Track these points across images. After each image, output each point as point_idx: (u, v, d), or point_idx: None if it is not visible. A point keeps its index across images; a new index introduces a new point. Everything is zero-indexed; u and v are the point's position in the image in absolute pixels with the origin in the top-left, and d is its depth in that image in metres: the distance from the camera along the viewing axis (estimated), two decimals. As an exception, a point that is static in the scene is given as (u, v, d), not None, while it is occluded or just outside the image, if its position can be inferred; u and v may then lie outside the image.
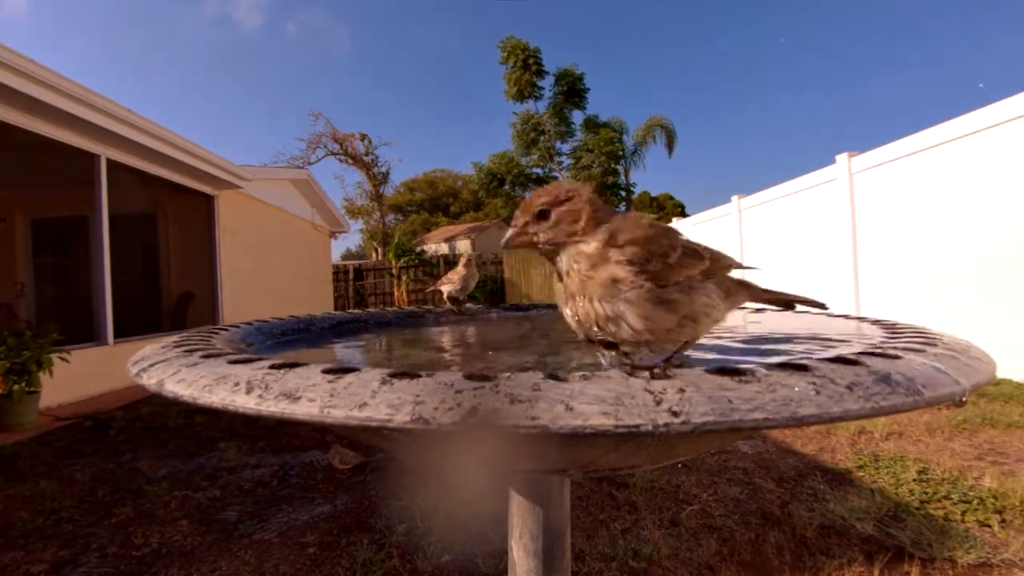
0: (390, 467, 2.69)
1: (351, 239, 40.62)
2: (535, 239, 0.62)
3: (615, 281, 0.56)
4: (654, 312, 0.56)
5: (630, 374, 0.43)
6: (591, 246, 0.59)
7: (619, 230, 0.60)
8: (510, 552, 0.81)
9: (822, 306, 0.76)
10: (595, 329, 0.59)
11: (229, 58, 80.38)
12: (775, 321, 1.12)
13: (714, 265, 0.62)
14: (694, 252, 0.61)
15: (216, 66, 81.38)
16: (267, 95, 73.72)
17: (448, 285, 1.67)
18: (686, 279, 0.58)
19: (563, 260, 0.62)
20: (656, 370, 0.46)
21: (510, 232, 0.64)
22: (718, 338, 0.94)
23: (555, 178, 21.56)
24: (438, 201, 44.52)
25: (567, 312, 0.63)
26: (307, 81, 70.90)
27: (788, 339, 0.93)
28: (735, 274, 0.69)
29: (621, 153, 20.54)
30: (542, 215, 0.62)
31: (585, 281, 0.58)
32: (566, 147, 21.36)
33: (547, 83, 20.77)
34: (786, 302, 0.75)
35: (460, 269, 1.70)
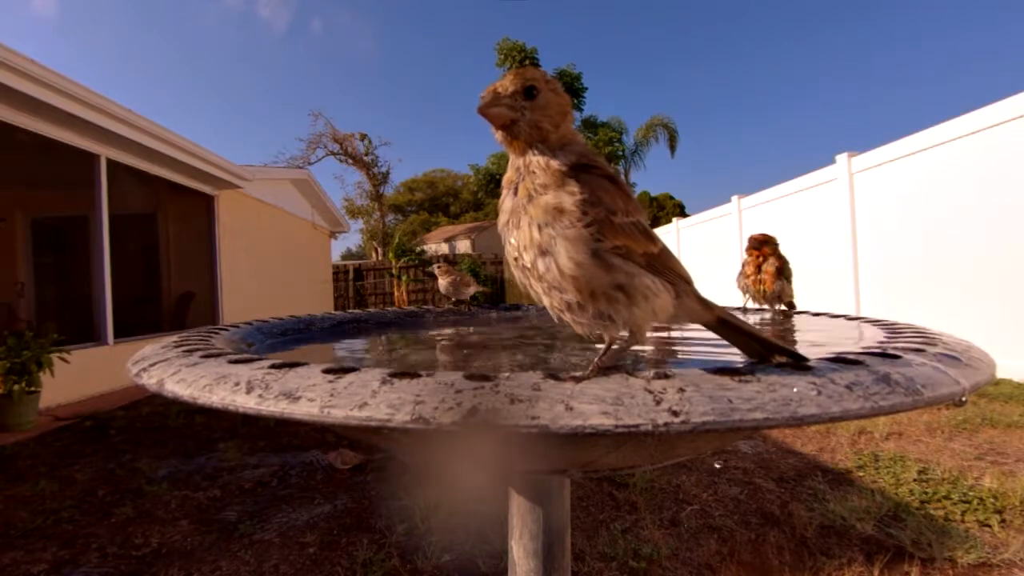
0: (390, 467, 2.69)
1: (351, 239, 40.66)
2: (519, 116, 0.55)
3: (560, 211, 0.51)
4: (588, 261, 0.50)
5: (576, 380, 0.42)
6: (558, 160, 0.54)
7: (586, 160, 0.55)
8: (510, 552, 0.81)
9: (800, 358, 0.53)
10: (527, 266, 0.54)
11: (228, 58, 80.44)
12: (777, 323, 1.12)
13: (665, 260, 0.57)
14: (646, 233, 0.55)
15: (216, 65, 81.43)
16: (267, 95, 73.75)
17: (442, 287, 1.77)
18: (625, 247, 0.53)
19: (528, 162, 0.55)
20: (592, 368, 0.46)
21: (489, 96, 0.55)
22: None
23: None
24: (438, 201, 44.51)
25: (511, 242, 0.56)
26: (307, 81, 70.92)
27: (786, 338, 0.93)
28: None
29: (621, 153, 20.51)
30: (529, 92, 0.55)
31: (534, 198, 0.53)
32: (566, 147, 21.30)
33: (545, 84, 20.72)
34: (755, 340, 0.59)
35: (440, 279, 1.77)
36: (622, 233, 0.52)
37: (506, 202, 0.56)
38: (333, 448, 3.03)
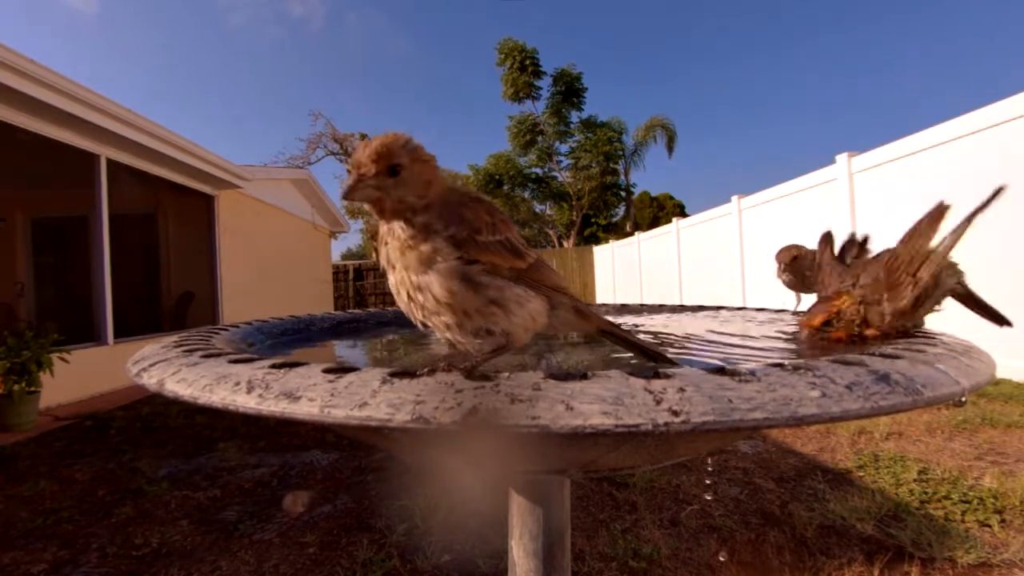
0: (390, 467, 2.69)
1: (351, 239, 40.57)
2: (384, 196, 0.55)
3: (434, 252, 0.55)
4: (458, 287, 0.54)
5: (446, 370, 0.45)
6: (425, 216, 0.56)
7: (449, 204, 0.58)
8: (510, 552, 0.81)
9: (658, 359, 0.69)
10: (406, 299, 0.58)
11: (228, 58, 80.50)
12: (770, 323, 1.12)
13: (535, 274, 0.60)
14: (514, 250, 0.59)
15: (215, 66, 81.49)
16: (266, 95, 73.79)
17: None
18: (491, 265, 0.56)
19: (394, 227, 0.57)
20: (469, 365, 0.49)
21: (352, 179, 0.54)
22: (711, 338, 0.94)
23: (554, 178, 21.51)
24: (438, 201, 44.35)
25: (391, 281, 0.60)
26: (307, 81, 70.97)
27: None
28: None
29: (620, 153, 20.50)
30: (393, 171, 0.54)
31: (406, 251, 0.56)
32: (565, 147, 21.32)
33: (545, 83, 20.75)
34: (634, 348, 0.70)
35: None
36: (487, 251, 0.56)
37: (381, 253, 0.59)
38: (334, 448, 3.03)
